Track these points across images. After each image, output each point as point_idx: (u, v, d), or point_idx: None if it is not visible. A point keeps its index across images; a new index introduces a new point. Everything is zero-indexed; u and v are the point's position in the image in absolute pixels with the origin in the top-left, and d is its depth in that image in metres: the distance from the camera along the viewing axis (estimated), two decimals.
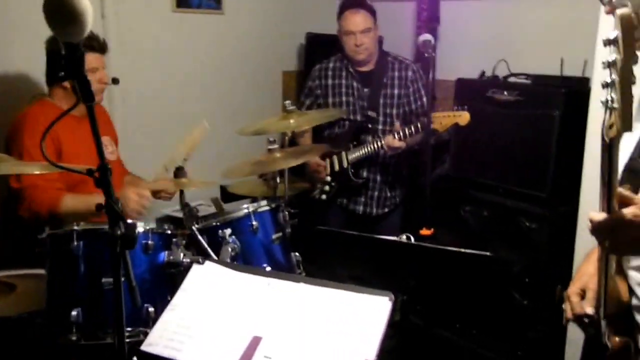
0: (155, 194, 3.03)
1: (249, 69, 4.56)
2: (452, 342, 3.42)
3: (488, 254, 2.02)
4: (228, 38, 4.42)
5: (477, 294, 2.43)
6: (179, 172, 2.49)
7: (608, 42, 1.14)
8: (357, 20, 3.43)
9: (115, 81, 2.91)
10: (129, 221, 1.36)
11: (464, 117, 3.11)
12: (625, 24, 1.12)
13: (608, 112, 1.19)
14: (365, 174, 3.60)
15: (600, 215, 1.31)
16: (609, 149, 1.24)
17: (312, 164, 3.51)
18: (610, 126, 1.19)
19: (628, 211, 1.29)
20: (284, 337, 1.62)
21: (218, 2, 4.31)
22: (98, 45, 2.79)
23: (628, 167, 1.52)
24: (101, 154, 1.33)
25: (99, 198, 1.36)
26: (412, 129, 3.23)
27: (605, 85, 1.17)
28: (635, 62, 1.15)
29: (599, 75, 2.66)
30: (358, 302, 1.65)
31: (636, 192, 1.47)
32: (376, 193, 3.66)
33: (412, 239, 2.26)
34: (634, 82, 1.17)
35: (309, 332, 1.61)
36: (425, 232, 2.76)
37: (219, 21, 4.35)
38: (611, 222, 1.30)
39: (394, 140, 3.29)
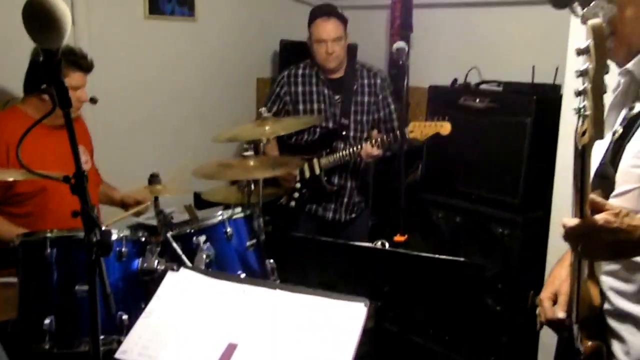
0: (128, 207, 3.03)
1: (223, 75, 4.56)
2: (425, 348, 3.45)
3: (462, 259, 2.04)
4: (201, 45, 4.41)
5: (451, 299, 2.44)
6: (153, 179, 2.48)
7: (580, 52, 1.17)
8: (329, 28, 3.45)
9: (93, 101, 2.90)
10: (104, 228, 1.36)
11: (445, 127, 3.16)
12: (597, 34, 1.14)
13: (581, 119, 1.22)
14: (337, 180, 3.63)
15: (573, 221, 1.34)
16: (582, 156, 1.26)
17: (283, 172, 3.52)
18: (583, 133, 1.22)
19: (600, 217, 1.31)
20: (259, 344, 1.62)
21: (191, 9, 4.30)
22: (86, 65, 2.79)
23: (599, 173, 1.55)
24: (77, 161, 1.33)
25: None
26: (391, 137, 3.26)
27: (578, 94, 1.20)
28: (607, 71, 1.18)
29: (570, 83, 2.72)
30: (334, 308, 1.66)
31: (607, 197, 1.50)
32: (346, 199, 3.70)
33: (387, 245, 2.28)
34: (605, 91, 1.20)
35: (285, 339, 1.62)
36: (399, 238, 2.78)
37: (192, 28, 4.34)
38: (584, 228, 1.32)
39: (372, 149, 3.34)
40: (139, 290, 2.14)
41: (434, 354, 3.42)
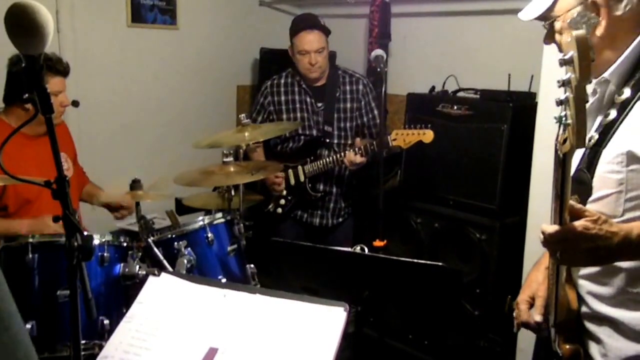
0: (113, 209, 3.02)
1: (204, 83, 4.57)
2: (405, 353, 3.45)
3: (440, 264, 2.05)
4: (183, 53, 4.42)
5: (429, 304, 2.45)
6: (134, 184, 2.48)
7: (564, 62, 1.18)
8: (312, 40, 3.47)
9: (75, 104, 2.89)
10: (85, 233, 1.36)
11: (428, 135, 3.17)
12: (581, 45, 1.16)
13: (562, 127, 1.23)
14: (322, 187, 3.64)
15: (552, 228, 1.35)
16: (562, 163, 1.28)
17: (269, 178, 3.52)
18: (564, 141, 1.23)
19: (579, 223, 1.34)
20: (240, 348, 1.62)
21: (173, 18, 4.31)
22: (63, 69, 2.78)
23: (576, 178, 1.56)
24: (59, 166, 1.32)
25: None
26: (375, 145, 3.28)
27: (559, 103, 1.21)
28: (590, 81, 1.20)
29: (545, 90, 2.76)
30: (314, 312, 1.65)
31: (584, 203, 1.52)
32: (332, 205, 3.71)
33: (366, 250, 2.28)
34: (587, 101, 1.22)
35: (265, 343, 1.61)
36: (378, 243, 2.79)
37: (174, 36, 4.35)
38: (563, 234, 1.34)
39: (355, 157, 3.34)
40: (121, 295, 2.14)
41: (413, 359, 3.43)
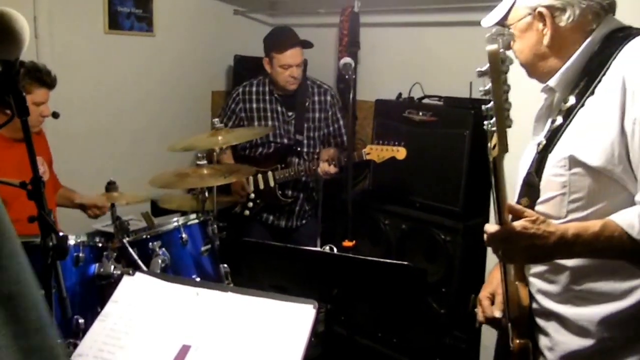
0: (86, 209, 3.00)
1: (180, 88, 4.55)
2: (374, 351, 3.46)
3: (405, 263, 2.07)
4: (159, 59, 4.40)
5: (397, 303, 2.46)
6: (110, 186, 2.46)
7: (481, 74, 1.23)
8: (296, 55, 3.49)
9: (55, 115, 2.87)
10: (61, 233, 1.35)
11: (401, 153, 3.20)
12: (493, 59, 1.21)
13: (489, 134, 1.28)
14: (290, 192, 3.66)
15: (493, 227, 1.39)
16: (494, 167, 1.32)
17: (235, 184, 3.53)
18: (494, 147, 1.27)
19: (518, 223, 1.37)
20: (212, 345, 1.61)
21: (149, 25, 4.28)
22: (50, 81, 2.77)
23: (526, 181, 1.60)
24: (35, 167, 1.32)
25: None
26: (347, 157, 3.30)
27: (485, 111, 1.25)
28: (506, 90, 1.24)
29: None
30: (284, 310, 1.66)
31: (533, 205, 1.55)
32: (297, 208, 3.74)
33: (335, 250, 2.30)
34: (508, 108, 1.25)
35: (236, 340, 1.61)
36: (347, 243, 2.80)
37: (150, 43, 4.32)
38: (503, 234, 1.38)
39: (330, 167, 3.38)
40: (96, 295, 2.12)
41: (382, 356, 3.44)
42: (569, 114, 1.52)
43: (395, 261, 2.09)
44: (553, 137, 1.54)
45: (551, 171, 1.52)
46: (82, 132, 4.01)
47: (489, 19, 1.64)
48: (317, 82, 3.73)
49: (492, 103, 1.24)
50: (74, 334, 2.01)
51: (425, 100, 3.65)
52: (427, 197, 3.41)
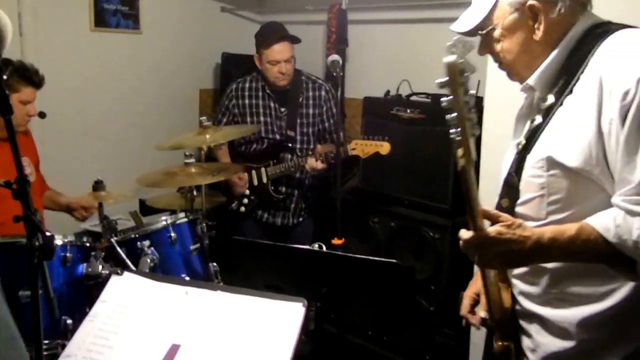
0: (73, 212, 2.97)
1: (167, 87, 4.52)
2: (364, 349, 3.46)
3: (393, 261, 2.06)
4: (146, 57, 4.37)
5: (387, 301, 2.46)
6: (97, 185, 2.44)
7: (442, 85, 1.20)
8: (283, 50, 3.48)
9: (42, 115, 2.86)
10: (47, 233, 1.33)
11: (385, 147, 3.22)
12: (450, 71, 1.18)
13: (455, 144, 1.24)
14: (284, 189, 3.65)
15: (468, 234, 1.38)
16: (463, 177, 1.29)
17: (232, 177, 3.52)
18: (462, 156, 1.25)
19: (493, 229, 1.36)
20: (201, 344, 1.60)
21: (136, 22, 4.25)
22: (38, 81, 2.76)
23: (507, 182, 1.58)
24: (19, 165, 1.29)
25: None
26: (334, 152, 3.30)
27: (451, 121, 1.22)
28: (466, 101, 1.20)
29: (490, 95, 2.80)
30: (273, 308, 1.65)
31: (514, 205, 1.54)
32: (292, 205, 3.73)
33: (324, 247, 2.29)
34: (471, 118, 1.22)
35: (226, 339, 1.60)
36: (336, 241, 2.79)
37: (137, 40, 4.30)
38: (477, 240, 1.36)
39: (317, 163, 3.39)
40: (84, 295, 2.11)
41: (373, 354, 3.44)
42: (548, 114, 1.49)
43: (383, 259, 2.09)
44: (532, 137, 1.52)
45: (530, 172, 1.50)
46: (69, 131, 3.98)
47: (464, 24, 1.59)
48: (312, 77, 3.72)
49: (455, 114, 1.21)
50: (62, 334, 1.99)
51: (413, 98, 3.65)
52: (415, 194, 3.41)
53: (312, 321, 2.14)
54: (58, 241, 2.06)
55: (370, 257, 2.09)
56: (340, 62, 2.98)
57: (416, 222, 3.37)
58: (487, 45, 1.61)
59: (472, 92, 1.23)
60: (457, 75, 1.19)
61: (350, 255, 2.13)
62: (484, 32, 1.57)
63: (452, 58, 1.18)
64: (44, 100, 2.92)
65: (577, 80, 1.44)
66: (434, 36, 3.85)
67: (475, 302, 1.81)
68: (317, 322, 2.25)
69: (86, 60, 4.04)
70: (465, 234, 1.39)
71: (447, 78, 1.19)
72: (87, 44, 4.03)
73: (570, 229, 1.38)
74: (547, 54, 1.51)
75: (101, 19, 4.05)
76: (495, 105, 2.78)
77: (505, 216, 1.39)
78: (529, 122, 1.58)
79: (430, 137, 3.29)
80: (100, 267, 2.12)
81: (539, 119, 1.52)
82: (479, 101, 3.30)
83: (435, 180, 3.29)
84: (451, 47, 1.20)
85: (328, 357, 2.71)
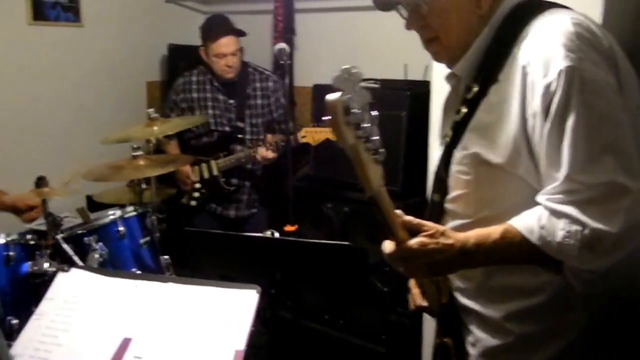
0: (20, 212, 2.86)
1: (112, 79, 4.42)
2: (322, 333, 3.47)
3: (346, 243, 2.07)
4: (89, 50, 4.25)
5: (341, 284, 2.46)
6: (40, 181, 2.37)
7: (325, 125, 1.14)
8: (229, 43, 3.46)
9: None
10: None
11: None
12: (332, 110, 1.10)
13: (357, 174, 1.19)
14: (235, 181, 3.64)
15: (390, 247, 1.31)
16: (374, 204, 1.26)
17: (180, 173, 3.50)
18: (365, 186, 1.22)
19: (415, 241, 1.28)
20: (153, 337, 1.57)
21: (76, 15, 4.13)
22: None
23: (437, 177, 1.54)
24: None
25: None
26: (284, 141, 3.29)
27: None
28: (362, 135, 1.15)
29: (437, 79, 2.81)
30: (226, 296, 1.63)
31: (443, 198, 1.49)
32: (245, 197, 3.71)
33: (277, 234, 2.28)
34: (370, 148, 1.19)
35: (179, 329, 1.58)
36: (289, 228, 2.79)
37: (78, 34, 4.18)
38: (400, 254, 1.29)
39: (267, 152, 3.39)
40: (29, 294, 2.04)
41: (330, 338, 3.45)
42: (473, 105, 1.40)
43: (337, 242, 2.09)
44: (457, 130, 1.43)
45: (456, 168, 1.44)
46: (9, 127, 3.85)
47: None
48: (259, 68, 3.73)
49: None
50: (8, 335, 1.92)
51: (363, 83, 3.64)
52: None
53: (268, 309, 2.13)
54: (0, 240, 1.99)
55: (323, 241, 2.09)
56: (288, 50, 2.97)
57: (369, 205, 3.34)
58: (420, 19, 1.46)
59: (375, 113, 1.17)
60: (340, 115, 1.09)
61: (303, 240, 2.14)
62: (409, 7, 1.46)
63: (334, 97, 1.09)
64: None
65: (501, 68, 1.35)
66: (380, 23, 3.87)
67: (421, 291, 1.76)
68: (272, 310, 2.24)
69: (25, 56, 3.90)
70: (387, 247, 1.31)
71: (328, 117, 1.10)
72: (25, 38, 3.90)
73: (495, 231, 1.31)
74: (481, 32, 1.42)
75: (39, 12, 3.90)
76: (441, 88, 2.79)
77: (427, 225, 1.31)
78: (454, 114, 1.48)
79: (381, 121, 3.27)
80: (46, 264, 2.06)
81: (464, 110, 1.42)
82: (426, 85, 3.34)
83: (387, 163, 3.26)
84: (336, 80, 1.10)
85: (285, 344, 2.71)
